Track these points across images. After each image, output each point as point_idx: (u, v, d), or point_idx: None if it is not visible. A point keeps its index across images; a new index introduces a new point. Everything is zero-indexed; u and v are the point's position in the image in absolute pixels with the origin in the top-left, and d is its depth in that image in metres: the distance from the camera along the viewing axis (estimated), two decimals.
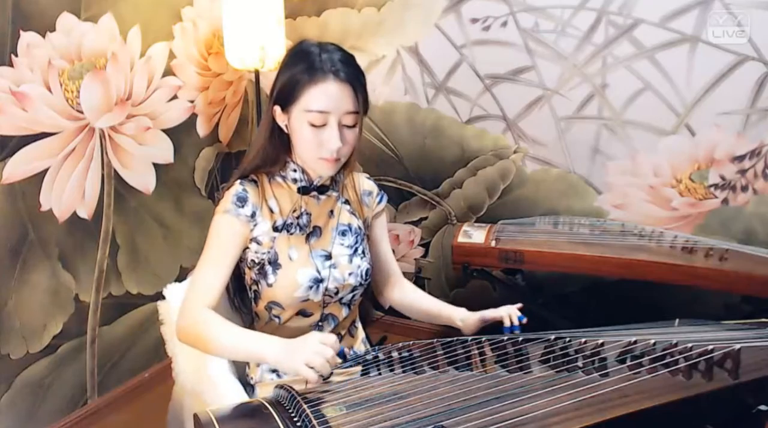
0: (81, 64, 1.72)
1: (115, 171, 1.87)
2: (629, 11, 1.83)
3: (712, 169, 1.87)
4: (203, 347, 1.06)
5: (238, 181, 1.16)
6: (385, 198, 1.34)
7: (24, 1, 1.56)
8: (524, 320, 1.19)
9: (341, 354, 0.98)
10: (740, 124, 1.80)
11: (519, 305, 1.22)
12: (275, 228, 1.15)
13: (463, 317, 1.24)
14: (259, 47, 1.91)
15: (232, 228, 1.12)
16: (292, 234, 1.17)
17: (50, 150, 1.67)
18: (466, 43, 2.06)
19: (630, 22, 1.84)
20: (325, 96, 1.07)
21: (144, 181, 1.98)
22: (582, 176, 2.04)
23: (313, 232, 1.19)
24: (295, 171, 1.18)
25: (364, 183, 1.31)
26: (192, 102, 2.13)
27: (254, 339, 1.04)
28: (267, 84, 2.36)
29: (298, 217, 1.18)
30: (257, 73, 2.04)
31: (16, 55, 1.55)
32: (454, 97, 2.13)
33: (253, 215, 1.14)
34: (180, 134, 2.09)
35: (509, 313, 1.19)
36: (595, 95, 1.94)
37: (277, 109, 1.13)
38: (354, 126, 1.11)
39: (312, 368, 0.93)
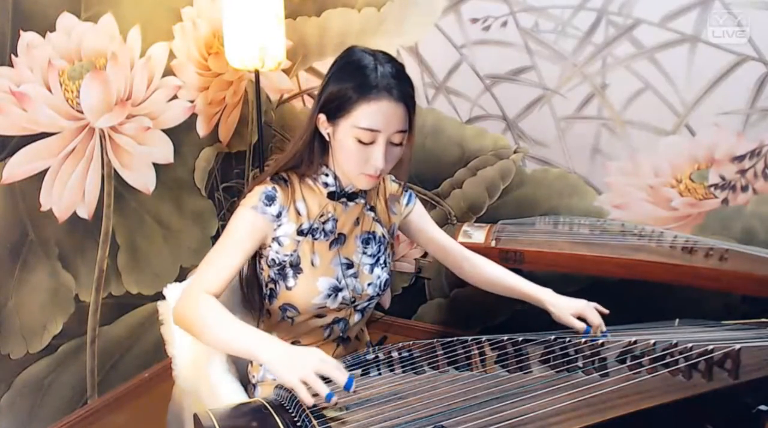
0: (81, 64, 1.72)
1: (115, 171, 1.87)
2: (629, 11, 1.83)
3: (712, 169, 1.87)
4: (198, 333, 1.01)
5: (269, 178, 1.14)
6: (414, 196, 1.31)
7: (24, 1, 1.56)
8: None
9: (330, 397, 0.86)
10: (740, 124, 1.80)
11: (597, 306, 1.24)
12: (300, 232, 1.13)
13: (554, 303, 1.25)
14: (259, 47, 1.91)
15: (254, 223, 1.10)
16: (316, 239, 1.15)
17: (50, 150, 1.67)
18: (466, 43, 2.06)
19: (630, 22, 1.84)
20: (378, 115, 1.03)
21: (144, 181, 1.98)
22: (582, 176, 2.04)
23: (337, 239, 1.17)
24: (327, 175, 1.15)
25: (390, 186, 1.28)
26: (192, 102, 2.13)
27: (253, 337, 0.97)
28: (267, 84, 2.37)
29: (324, 222, 1.16)
30: (257, 73, 2.04)
31: (16, 55, 1.55)
32: (454, 97, 2.13)
33: (278, 215, 1.11)
34: (180, 134, 2.09)
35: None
36: (595, 95, 1.94)
37: (322, 117, 1.10)
38: (400, 144, 1.08)
39: (306, 386, 0.87)
